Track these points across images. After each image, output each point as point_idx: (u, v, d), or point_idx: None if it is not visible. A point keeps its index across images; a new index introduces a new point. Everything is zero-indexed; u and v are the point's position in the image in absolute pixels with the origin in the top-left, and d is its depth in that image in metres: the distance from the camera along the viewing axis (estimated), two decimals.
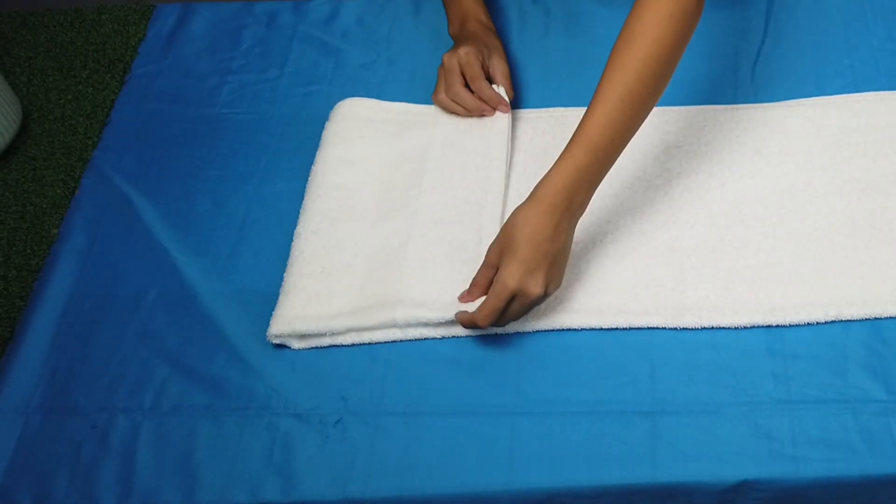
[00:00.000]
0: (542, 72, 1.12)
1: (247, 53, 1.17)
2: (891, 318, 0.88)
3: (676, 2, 0.85)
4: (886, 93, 1.06)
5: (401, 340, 0.88)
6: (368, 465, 0.81)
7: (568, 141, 0.85)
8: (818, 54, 1.12)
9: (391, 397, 0.85)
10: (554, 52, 1.15)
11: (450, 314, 0.86)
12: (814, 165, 1.00)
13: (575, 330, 0.89)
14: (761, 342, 0.87)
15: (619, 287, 0.90)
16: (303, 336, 0.88)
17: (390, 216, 0.96)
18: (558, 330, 0.89)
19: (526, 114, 1.07)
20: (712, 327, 0.88)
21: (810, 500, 0.81)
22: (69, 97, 1.30)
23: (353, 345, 0.88)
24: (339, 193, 0.98)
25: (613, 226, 0.95)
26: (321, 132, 1.05)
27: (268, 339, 0.88)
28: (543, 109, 1.07)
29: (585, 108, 0.86)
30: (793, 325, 0.88)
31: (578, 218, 0.87)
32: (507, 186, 0.99)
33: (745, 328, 0.88)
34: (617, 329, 0.88)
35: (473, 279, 0.86)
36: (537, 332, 0.89)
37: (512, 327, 0.88)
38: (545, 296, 0.84)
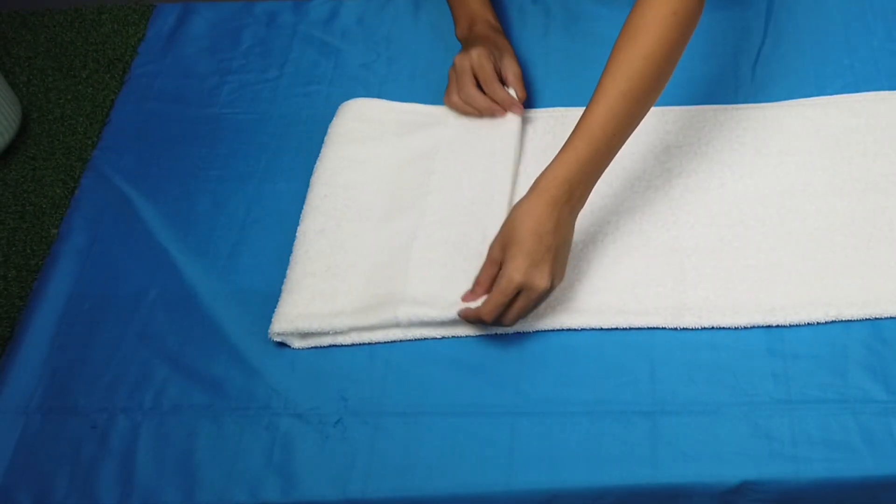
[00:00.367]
0: (542, 72, 1.12)
1: (247, 53, 1.17)
2: (891, 318, 0.88)
3: (678, 0, 0.86)
4: (886, 93, 1.06)
5: (401, 340, 0.88)
6: (368, 465, 0.81)
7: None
8: (818, 54, 1.12)
9: (391, 397, 0.85)
10: (554, 52, 1.15)
11: (452, 313, 0.86)
12: (814, 165, 1.00)
13: (575, 330, 0.88)
14: (761, 342, 0.87)
15: (619, 287, 0.90)
16: (304, 334, 0.88)
17: (397, 216, 0.96)
18: (558, 330, 0.89)
19: (526, 114, 1.07)
20: (712, 327, 0.88)
21: (810, 501, 0.81)
22: (69, 97, 1.30)
23: (353, 345, 0.88)
24: (347, 193, 0.98)
25: (613, 226, 0.95)
26: (321, 132, 1.05)
27: (269, 336, 0.88)
28: (543, 109, 1.07)
29: (585, 108, 0.86)
30: (793, 325, 0.88)
31: (578, 211, 0.87)
32: (513, 188, 0.99)
33: (746, 328, 0.88)
34: (617, 329, 0.88)
35: (477, 277, 0.86)
36: (537, 332, 0.88)
37: (512, 327, 0.88)
38: (551, 289, 0.84)
